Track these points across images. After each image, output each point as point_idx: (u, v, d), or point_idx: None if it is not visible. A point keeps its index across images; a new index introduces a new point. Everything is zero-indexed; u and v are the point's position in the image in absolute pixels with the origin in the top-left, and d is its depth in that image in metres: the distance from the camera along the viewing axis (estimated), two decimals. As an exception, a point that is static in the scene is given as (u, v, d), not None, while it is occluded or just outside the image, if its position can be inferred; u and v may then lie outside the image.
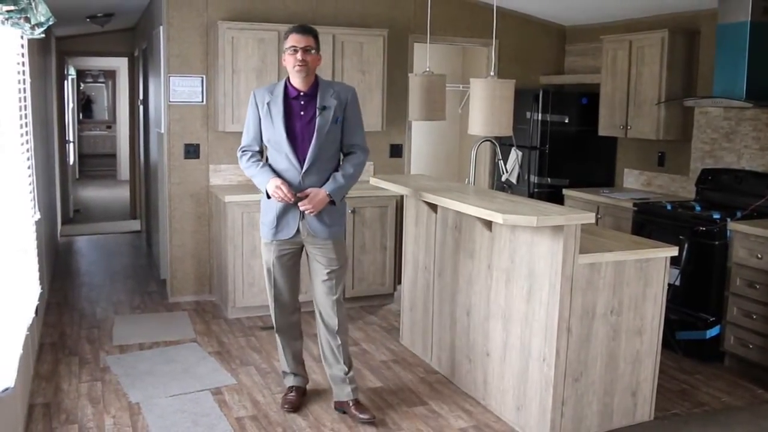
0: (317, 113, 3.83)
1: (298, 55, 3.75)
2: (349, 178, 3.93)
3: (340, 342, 4.01)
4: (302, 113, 3.85)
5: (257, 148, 4.02)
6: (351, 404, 4.02)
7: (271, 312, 4.15)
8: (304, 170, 3.83)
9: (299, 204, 3.84)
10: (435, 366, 4.76)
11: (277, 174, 3.87)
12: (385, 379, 4.61)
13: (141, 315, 5.86)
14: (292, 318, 4.16)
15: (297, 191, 3.84)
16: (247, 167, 4.00)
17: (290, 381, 4.24)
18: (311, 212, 3.84)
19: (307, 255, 4.04)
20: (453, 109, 7.24)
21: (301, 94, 3.85)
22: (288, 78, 3.89)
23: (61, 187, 9.51)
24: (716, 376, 4.75)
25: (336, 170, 3.93)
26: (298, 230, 3.91)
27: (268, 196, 3.88)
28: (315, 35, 3.84)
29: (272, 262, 4.01)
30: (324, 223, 3.90)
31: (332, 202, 3.89)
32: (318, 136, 3.82)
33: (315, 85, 3.89)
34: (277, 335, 4.18)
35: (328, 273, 3.96)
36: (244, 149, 4.03)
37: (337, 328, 3.99)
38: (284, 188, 3.79)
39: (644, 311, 3.88)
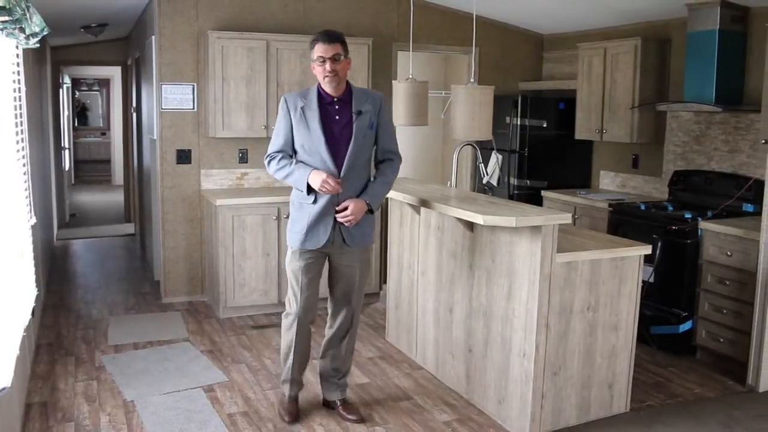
0: (354, 118, 3.64)
1: (327, 66, 3.55)
2: (387, 186, 3.79)
3: (347, 348, 3.96)
4: (338, 117, 3.64)
5: (289, 153, 3.73)
6: (339, 404, 3.99)
7: (293, 322, 3.83)
8: (341, 176, 3.61)
9: (338, 216, 3.63)
10: (419, 362, 4.76)
11: (311, 191, 3.63)
12: (371, 375, 4.61)
13: (135, 315, 5.83)
14: (310, 327, 3.93)
15: (333, 196, 3.62)
16: (279, 167, 3.69)
17: (290, 389, 3.96)
18: (352, 223, 3.65)
19: (329, 262, 3.85)
20: (435, 114, 7.25)
21: (335, 99, 3.66)
22: (319, 84, 3.68)
23: (57, 192, 9.46)
24: (689, 369, 4.77)
25: (368, 179, 3.75)
26: (327, 240, 3.68)
27: (309, 192, 3.61)
28: (342, 40, 3.61)
29: (300, 271, 3.75)
30: (359, 233, 3.74)
31: (369, 211, 3.72)
32: (356, 140, 3.62)
33: (348, 91, 3.70)
34: (292, 345, 3.87)
35: (352, 283, 3.84)
36: (272, 154, 3.75)
37: (349, 335, 3.94)
38: (332, 180, 3.52)
39: (620, 307, 3.90)
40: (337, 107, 3.66)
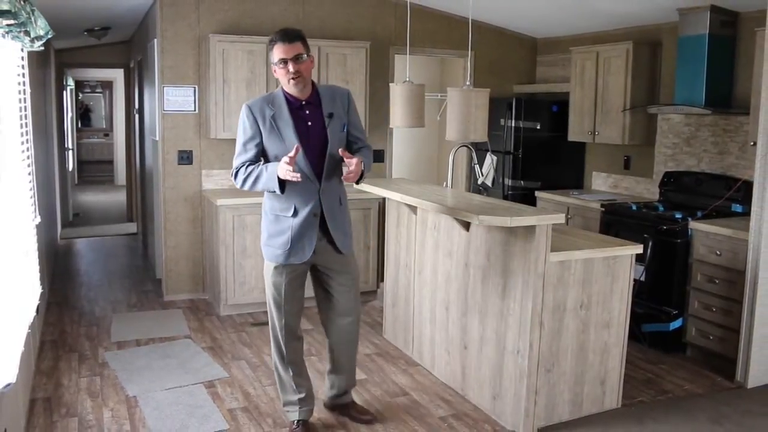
0: (326, 122, 3.38)
1: (290, 68, 3.25)
2: (369, 162, 3.52)
3: (353, 355, 3.82)
4: (310, 123, 3.37)
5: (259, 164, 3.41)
6: (349, 407, 3.89)
7: (281, 342, 3.56)
8: (322, 183, 3.38)
9: (347, 162, 3.27)
10: (416, 359, 4.76)
11: (285, 188, 3.30)
12: (369, 371, 4.61)
13: (138, 313, 5.82)
14: (299, 343, 3.68)
15: (315, 206, 3.38)
16: (247, 173, 3.36)
17: (301, 411, 3.67)
18: (354, 176, 3.31)
19: (315, 275, 3.62)
20: (431, 116, 7.26)
21: (304, 103, 3.38)
22: (283, 88, 3.40)
23: (61, 192, 9.44)
24: (679, 366, 4.78)
25: (341, 179, 3.46)
26: (313, 252, 3.44)
27: (282, 190, 3.28)
28: (302, 38, 3.30)
29: (283, 287, 3.47)
30: (345, 236, 3.53)
31: (360, 178, 3.40)
32: (331, 145, 3.36)
33: (315, 92, 3.43)
34: (288, 368, 3.62)
35: (348, 286, 3.63)
36: (239, 167, 3.40)
37: (356, 342, 3.79)
38: (289, 159, 3.15)
39: (611, 305, 3.90)
40: (307, 111, 3.38)
